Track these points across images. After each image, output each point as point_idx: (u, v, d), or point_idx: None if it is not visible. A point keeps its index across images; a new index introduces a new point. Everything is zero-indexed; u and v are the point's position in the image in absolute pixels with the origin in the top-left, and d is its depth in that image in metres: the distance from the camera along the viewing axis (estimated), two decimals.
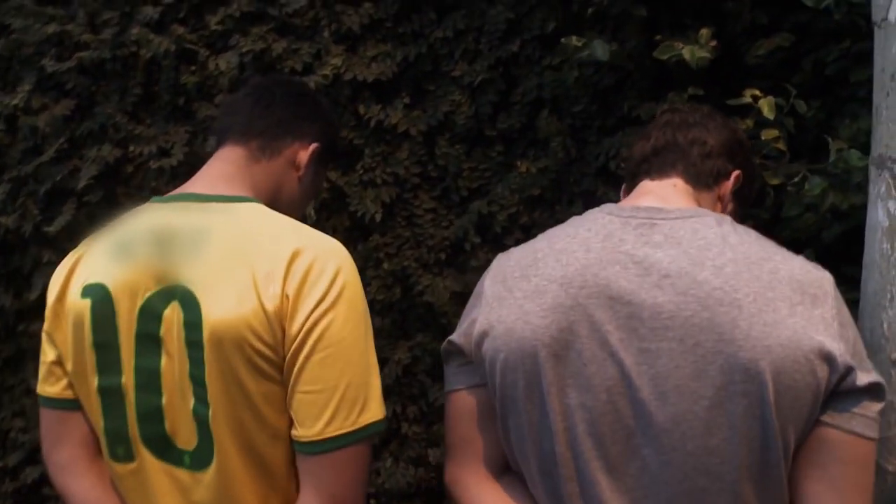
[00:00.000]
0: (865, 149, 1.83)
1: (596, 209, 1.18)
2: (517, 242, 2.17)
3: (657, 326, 1.01)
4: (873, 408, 1.00)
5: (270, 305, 1.03)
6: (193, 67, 2.29)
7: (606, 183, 2.09)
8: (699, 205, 1.21)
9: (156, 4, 2.31)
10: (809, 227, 1.86)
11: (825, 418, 1.00)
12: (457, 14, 2.09)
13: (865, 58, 1.83)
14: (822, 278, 1.05)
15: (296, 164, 1.30)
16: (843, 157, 1.69)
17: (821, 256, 1.73)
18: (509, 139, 2.13)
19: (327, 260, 1.08)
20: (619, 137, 2.04)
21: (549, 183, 2.11)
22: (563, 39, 1.85)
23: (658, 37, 1.90)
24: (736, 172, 1.25)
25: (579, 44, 1.79)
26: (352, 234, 2.19)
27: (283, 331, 1.04)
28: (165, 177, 2.27)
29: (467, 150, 2.13)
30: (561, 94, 2.07)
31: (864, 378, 0.99)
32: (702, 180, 1.21)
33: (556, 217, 2.14)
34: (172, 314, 1.08)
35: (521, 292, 1.11)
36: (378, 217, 2.14)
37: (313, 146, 1.32)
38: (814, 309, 1.00)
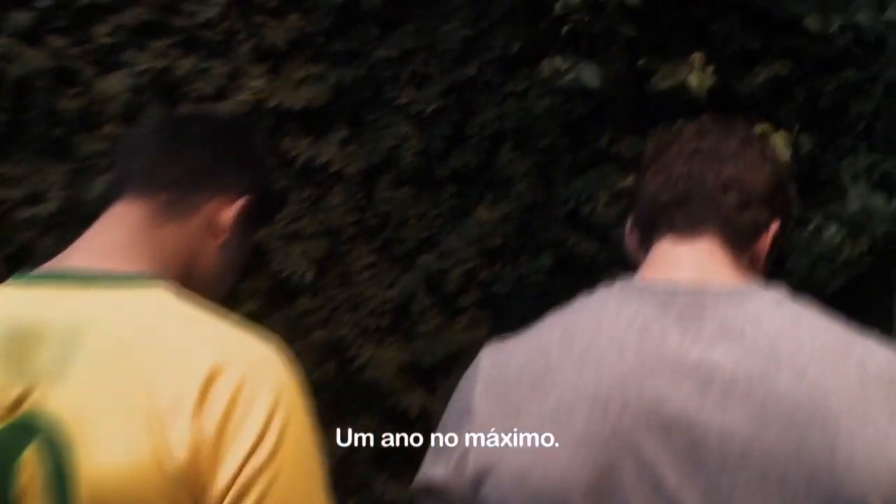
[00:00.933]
0: (873, 187, 1.78)
1: (613, 286, 1.01)
2: (474, 303, 2.07)
3: (730, 455, 0.87)
4: None
5: (179, 453, 0.81)
6: (75, 90, 2.14)
7: (578, 230, 2.01)
8: (740, 273, 1.04)
9: (29, 9, 2.14)
10: (822, 280, 1.77)
11: None
12: (404, 30, 2.04)
13: (866, 88, 1.79)
14: None
15: (217, 225, 1.09)
16: (865, 202, 1.61)
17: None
18: (464, 179, 2.07)
19: (261, 382, 0.87)
20: (594, 176, 1.94)
21: (511, 231, 2.00)
22: (545, 61, 1.76)
23: (641, 61, 1.80)
24: (776, 223, 1.09)
25: (564, 66, 1.66)
26: (274, 299, 2.07)
27: (202, 490, 0.82)
28: (38, 228, 2.09)
29: (414, 194, 2.07)
30: (525, 126, 1.99)
31: None
32: (740, 239, 1.05)
33: (519, 271, 2.02)
34: (32, 462, 0.85)
35: (536, 415, 0.94)
36: (307, 276, 2.03)
37: (241, 201, 1.11)
38: None
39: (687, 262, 1.01)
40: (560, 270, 2.03)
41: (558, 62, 1.74)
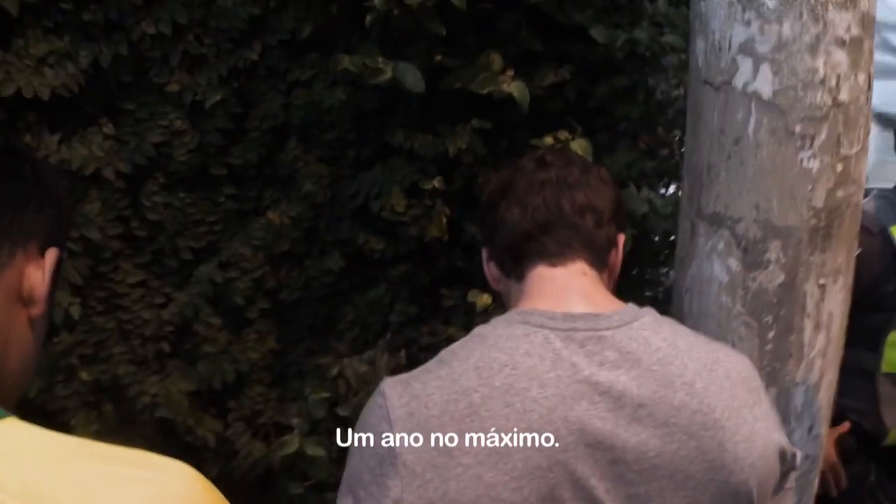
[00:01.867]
0: (634, 183, 2.13)
1: (512, 319, 1.17)
2: (263, 313, 2.05)
3: (645, 468, 1.09)
4: (793, 477, 1.25)
5: None
6: None
7: (367, 227, 2.11)
8: (608, 291, 1.29)
9: None
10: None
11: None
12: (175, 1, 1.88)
13: (633, 94, 2.12)
14: (749, 365, 1.25)
15: (26, 292, 0.87)
16: (651, 204, 1.93)
17: None
18: (245, 178, 2.04)
19: None
20: (381, 172, 2.02)
21: (299, 233, 2.01)
22: (357, 58, 1.78)
23: (439, 58, 1.91)
24: (621, 237, 1.34)
25: (384, 67, 1.70)
26: None
27: None
28: None
29: (189, 197, 1.99)
30: (313, 119, 1.98)
31: (797, 457, 1.23)
32: (601, 257, 1.27)
33: (307, 275, 2.04)
34: None
35: (471, 457, 1.05)
36: (65, 306, 1.85)
37: (51, 254, 0.89)
38: (761, 405, 1.19)
39: (570, 287, 1.20)
40: (350, 270, 2.09)
41: (380, 63, 1.77)
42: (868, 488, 2.23)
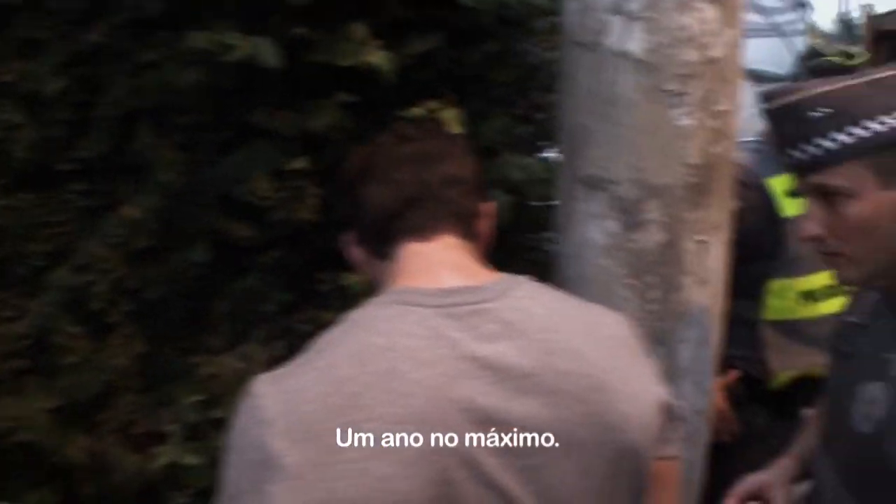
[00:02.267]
0: (510, 149, 2.11)
1: (386, 301, 1.15)
2: (127, 316, 1.93)
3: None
4: (677, 426, 1.28)
5: None
6: None
7: (234, 214, 2.04)
8: (481, 262, 1.28)
9: None
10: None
11: (656, 455, 1.23)
12: None
13: (505, 59, 2.08)
14: (626, 323, 1.27)
15: None
16: (527, 170, 1.91)
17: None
18: (95, 172, 1.93)
19: None
20: (244, 155, 1.92)
21: (159, 226, 1.89)
22: (211, 34, 1.69)
23: (300, 30, 1.85)
24: (490, 206, 1.34)
25: (238, 42, 1.61)
26: None
27: None
28: None
29: (33, 198, 1.88)
30: (165, 103, 1.87)
31: (676, 407, 1.27)
32: (471, 228, 1.26)
33: (171, 270, 1.94)
34: None
35: (356, 450, 1.01)
36: None
37: None
38: (641, 360, 1.22)
39: (443, 261, 1.19)
40: (218, 261, 1.99)
41: (239, 39, 1.66)
42: (759, 432, 2.32)
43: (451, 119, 1.87)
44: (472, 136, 2.13)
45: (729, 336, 2.08)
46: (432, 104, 1.89)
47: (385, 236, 1.21)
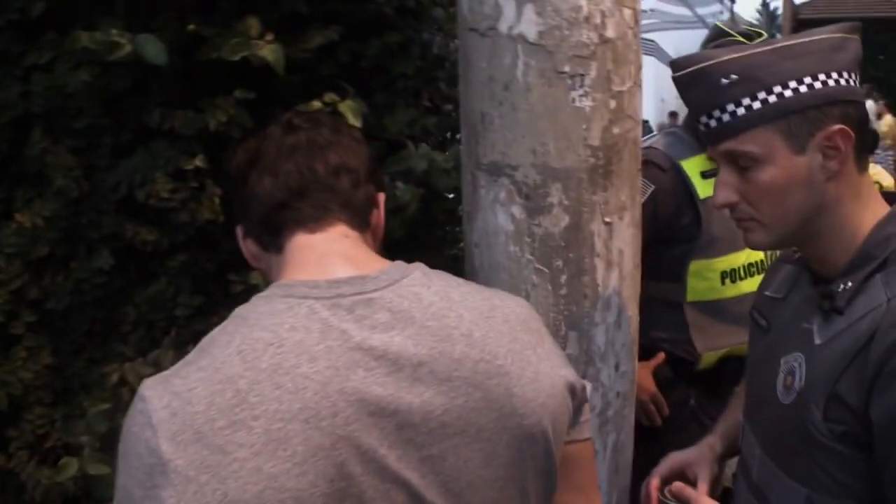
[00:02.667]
0: (418, 142, 2.09)
1: (273, 295, 1.09)
2: (31, 327, 1.89)
3: (434, 427, 1.06)
4: (588, 409, 1.28)
5: None
6: None
7: (135, 218, 1.98)
8: (373, 252, 1.28)
9: None
10: (391, 233, 2.04)
11: (567, 438, 1.24)
12: None
13: (407, 50, 2.06)
14: (526, 307, 1.26)
15: None
16: (431, 161, 1.89)
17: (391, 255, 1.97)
18: None
19: None
20: (142, 157, 1.88)
21: (58, 234, 1.82)
22: (97, 34, 1.60)
23: (192, 27, 1.79)
24: (382, 196, 1.33)
25: (121, 40, 1.55)
26: None
27: None
28: None
29: None
30: (57, 106, 1.79)
31: (586, 389, 1.26)
32: (362, 218, 1.25)
33: (75, 278, 1.87)
34: None
35: (246, 448, 0.98)
36: None
37: None
38: (543, 344, 1.19)
39: (332, 251, 1.17)
40: (123, 267, 1.93)
41: (115, 35, 1.61)
42: (689, 412, 2.34)
43: (349, 111, 1.83)
44: (378, 130, 2.12)
45: (654, 319, 2.18)
46: (330, 96, 1.85)
47: (274, 228, 1.18)
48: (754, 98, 1.22)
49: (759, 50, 1.25)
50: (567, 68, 1.50)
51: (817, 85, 1.22)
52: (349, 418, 1.01)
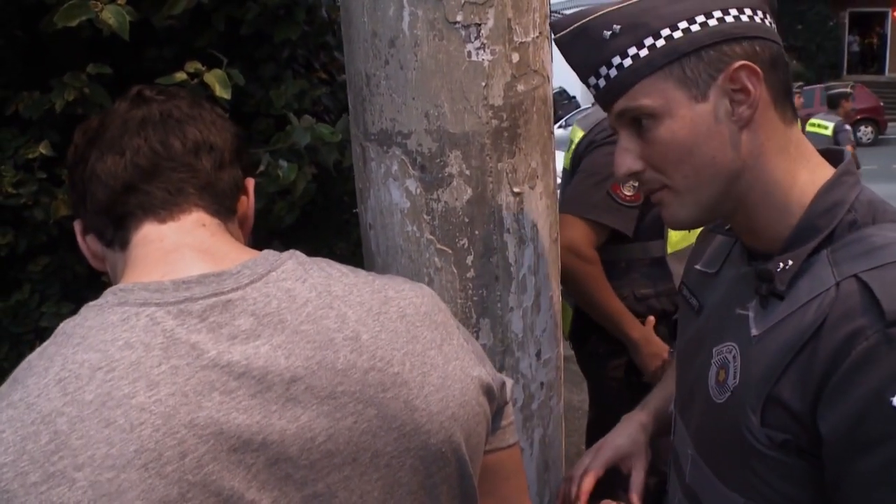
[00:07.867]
0: (300, 114, 1.91)
1: (105, 304, 0.88)
2: None
3: (316, 458, 0.86)
4: (511, 410, 1.10)
5: None
6: None
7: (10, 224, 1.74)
8: (237, 242, 1.04)
9: None
10: (280, 218, 1.85)
11: (487, 447, 1.06)
12: None
13: (291, 14, 1.86)
14: (429, 295, 1.05)
15: None
16: (316, 134, 1.71)
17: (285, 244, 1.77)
18: None
19: None
20: None
21: None
22: None
23: None
24: (250, 182, 1.12)
25: None
26: None
27: None
28: None
29: None
30: None
31: (506, 388, 1.08)
32: (225, 204, 1.03)
33: None
34: None
35: None
36: None
37: None
38: (451, 341, 1.00)
39: (184, 245, 0.96)
40: None
41: None
42: None
43: (217, 81, 1.61)
44: (265, 105, 1.91)
45: (642, 278, 2.40)
46: (194, 65, 1.62)
47: (118, 218, 0.97)
48: (641, 46, 1.03)
49: None
50: (460, 17, 1.29)
51: (712, 22, 1.01)
52: (202, 459, 0.80)
